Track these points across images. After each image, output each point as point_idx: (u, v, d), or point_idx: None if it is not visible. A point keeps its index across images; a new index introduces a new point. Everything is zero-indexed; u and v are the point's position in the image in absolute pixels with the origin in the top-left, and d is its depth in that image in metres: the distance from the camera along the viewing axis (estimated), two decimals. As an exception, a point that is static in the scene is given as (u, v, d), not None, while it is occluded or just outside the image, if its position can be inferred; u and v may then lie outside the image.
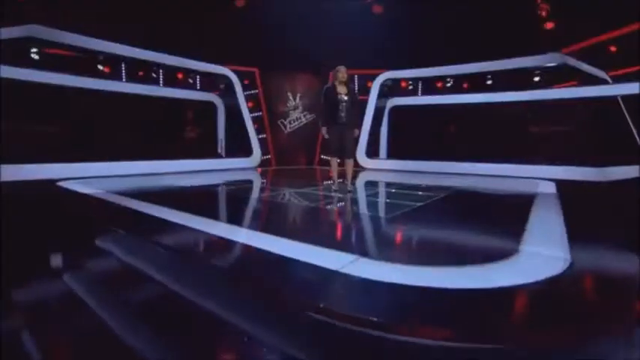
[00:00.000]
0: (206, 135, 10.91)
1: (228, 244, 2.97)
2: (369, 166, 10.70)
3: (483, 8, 10.18)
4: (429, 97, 10.59)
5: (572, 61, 8.67)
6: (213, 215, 4.03)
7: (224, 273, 2.45)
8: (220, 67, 10.98)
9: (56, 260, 2.80)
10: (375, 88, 11.06)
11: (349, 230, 3.57)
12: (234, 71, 11.35)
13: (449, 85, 10.37)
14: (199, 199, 5.41)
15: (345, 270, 2.19)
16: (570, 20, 10.03)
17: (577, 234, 3.08)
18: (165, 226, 3.42)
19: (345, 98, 5.51)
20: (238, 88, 11.30)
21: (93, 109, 8.42)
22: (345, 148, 5.61)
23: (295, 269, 2.36)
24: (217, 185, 6.96)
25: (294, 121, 12.95)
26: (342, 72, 5.56)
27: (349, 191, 5.57)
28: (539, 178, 7.85)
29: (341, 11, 11.52)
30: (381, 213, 4.28)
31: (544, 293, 2.03)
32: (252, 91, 12.14)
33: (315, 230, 3.58)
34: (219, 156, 10.95)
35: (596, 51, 9.56)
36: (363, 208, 4.54)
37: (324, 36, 11.54)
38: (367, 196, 5.69)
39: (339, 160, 5.75)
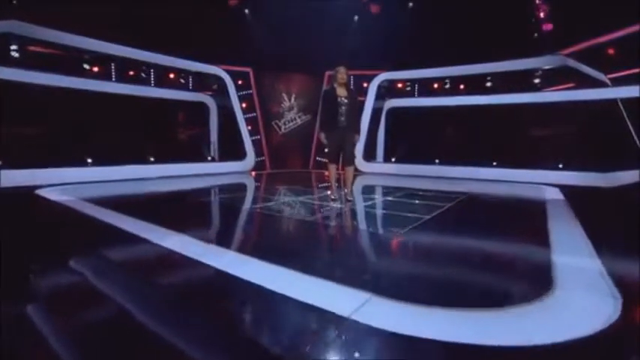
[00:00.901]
0: (198, 137, 10.36)
1: (198, 268, 2.46)
2: (366, 170, 10.26)
3: (481, 9, 9.81)
4: (428, 98, 10.16)
5: (573, 63, 8.31)
6: (189, 230, 3.47)
7: (186, 310, 1.93)
8: (213, 67, 10.45)
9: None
10: (372, 89, 10.61)
11: (354, 254, 2.98)
12: (228, 71, 10.83)
13: (447, 86, 9.96)
14: (180, 209, 4.91)
15: (356, 316, 1.73)
16: (568, 22, 9.70)
17: (608, 257, 2.68)
18: (126, 240, 3.11)
19: (345, 101, 5.04)
20: (231, 88, 10.78)
21: (79, 111, 7.85)
22: (345, 155, 5.14)
23: (286, 310, 1.86)
24: (203, 191, 6.48)
25: (288, 122, 12.47)
26: (341, 73, 5.09)
27: (349, 200, 5.11)
28: (541, 183, 7.49)
29: (337, 11, 11.07)
30: (389, 229, 3.69)
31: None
32: (246, 92, 11.64)
33: (311, 254, 2.92)
34: (211, 159, 10.40)
35: (593, 53, 9.23)
36: (367, 222, 4.02)
37: (320, 36, 11.08)
38: (369, 206, 5.13)
39: (340, 172, 5.29)
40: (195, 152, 10.01)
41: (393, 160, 10.50)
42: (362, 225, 3.81)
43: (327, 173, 5.42)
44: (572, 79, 8.98)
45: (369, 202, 5.30)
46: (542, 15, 10.41)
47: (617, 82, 8.47)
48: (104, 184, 6.79)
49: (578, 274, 2.37)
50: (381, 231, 3.53)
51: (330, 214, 4.23)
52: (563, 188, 7.02)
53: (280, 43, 11.48)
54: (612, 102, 7.97)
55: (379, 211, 4.51)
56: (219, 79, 10.59)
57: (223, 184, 7.75)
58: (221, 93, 10.70)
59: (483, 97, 9.21)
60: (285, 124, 12.37)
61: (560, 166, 7.77)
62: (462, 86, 9.88)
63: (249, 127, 11.26)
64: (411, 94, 10.55)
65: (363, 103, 10.41)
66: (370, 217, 4.25)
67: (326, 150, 5.26)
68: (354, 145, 5.17)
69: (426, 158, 9.56)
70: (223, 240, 3.40)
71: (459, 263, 2.68)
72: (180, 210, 4.82)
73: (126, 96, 8.46)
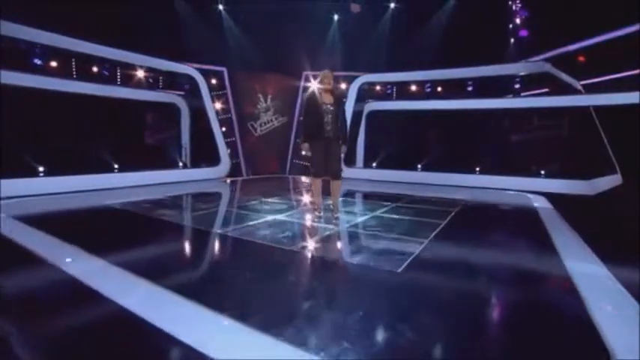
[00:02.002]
0: (167, 142, 9.34)
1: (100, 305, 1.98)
2: (346, 176, 9.68)
3: (461, 14, 9.47)
4: (408, 102, 9.68)
5: (553, 70, 8.07)
6: (128, 259, 2.89)
7: None
8: (184, 66, 9.55)
9: None
10: (352, 91, 10.03)
11: (350, 309, 2.10)
12: (200, 70, 9.96)
13: (428, 90, 9.54)
14: (125, 229, 4.16)
15: None
16: (544, 28, 9.51)
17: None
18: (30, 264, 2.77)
19: (331, 109, 4.43)
20: (204, 88, 9.90)
21: (29, 112, 6.78)
22: (330, 168, 4.54)
23: None
24: (162, 204, 5.68)
25: (265, 124, 11.72)
26: (327, 77, 4.47)
27: (336, 218, 4.53)
28: (523, 190, 7.22)
29: (316, 10, 10.42)
30: (388, 261, 2.94)
31: None
32: (220, 92, 10.80)
33: (294, 307, 2.15)
34: (182, 165, 9.39)
35: (566, 60, 9.07)
36: (360, 250, 3.32)
37: (298, 35, 10.41)
38: (359, 225, 4.40)
39: (329, 189, 4.68)
40: (165, 158, 9.01)
41: (374, 165, 10.01)
42: (354, 255, 3.15)
43: (310, 192, 4.78)
44: (551, 86, 8.78)
45: (358, 219, 4.68)
46: (518, 21, 10.21)
47: (590, 90, 8.35)
48: (57, 197, 5.86)
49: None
50: (377, 264, 2.91)
51: (314, 240, 3.59)
52: (545, 195, 6.77)
53: (256, 42, 10.72)
54: (586, 109, 7.79)
55: (371, 232, 3.92)
56: (190, 79, 9.70)
57: (194, 193, 6.98)
58: (193, 93, 9.80)
59: (464, 102, 8.84)
60: (261, 125, 11.62)
61: (542, 173, 7.53)
62: (441, 90, 9.47)
63: (224, 129, 10.44)
64: (391, 98, 10.04)
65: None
66: (362, 241, 3.63)
67: (309, 163, 4.64)
68: (340, 157, 4.58)
69: (408, 164, 9.12)
70: (156, 270, 2.70)
71: (477, 310, 2.14)
72: (124, 230, 4.07)
73: (86, 96, 7.41)
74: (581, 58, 9.14)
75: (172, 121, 9.50)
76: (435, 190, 7.60)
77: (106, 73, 8.07)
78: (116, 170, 7.45)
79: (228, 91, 11.03)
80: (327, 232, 3.86)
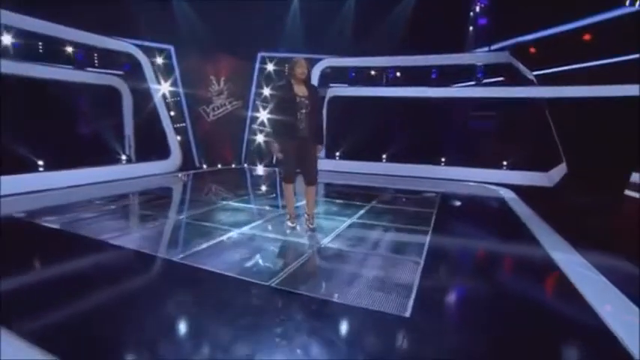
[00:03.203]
0: (107, 132, 7.77)
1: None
2: None
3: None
4: (371, 88, 9.06)
5: (514, 61, 7.86)
6: None
7: None
8: (123, 43, 8.08)
9: None
10: (314, 75, 9.18)
11: None
12: (143, 48, 8.53)
13: (392, 77, 8.97)
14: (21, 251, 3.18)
15: None
16: (503, 17, 9.28)
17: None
18: None
19: (306, 102, 3.67)
20: (148, 69, 8.53)
21: None
22: (305, 172, 3.82)
23: None
24: (89, 210, 4.62)
25: (217, 108, 10.55)
26: (301, 66, 3.67)
27: (312, 229, 3.85)
28: (487, 182, 7.04)
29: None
30: (391, 299, 2.32)
31: None
32: (167, 73, 9.43)
33: None
34: (126, 160, 7.89)
35: (521, 50, 8.95)
36: (353, 282, 2.60)
37: (255, 13, 9.27)
38: (340, 238, 3.63)
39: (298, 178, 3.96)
40: (104, 152, 7.51)
41: (338, 156, 9.37)
42: (345, 294, 2.46)
43: (285, 198, 4.04)
44: (506, 76, 8.62)
45: (336, 229, 4.05)
46: (478, 9, 9.90)
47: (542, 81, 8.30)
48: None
49: None
50: (375, 306, 2.29)
51: (292, 267, 2.84)
52: (509, 187, 6.64)
53: (208, 18, 9.41)
54: (542, 100, 7.71)
55: (357, 253, 3.30)
56: (131, 58, 8.26)
57: (137, 194, 5.91)
58: (135, 74, 8.39)
59: (427, 90, 8.41)
60: (213, 110, 10.44)
61: (505, 164, 7.39)
62: (404, 77, 8.96)
63: (173, 113, 9.17)
64: (355, 83, 9.33)
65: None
66: (350, 270, 2.93)
67: (281, 166, 3.88)
68: (316, 159, 3.86)
69: (371, 155, 8.61)
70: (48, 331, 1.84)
71: None
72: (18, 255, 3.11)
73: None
74: (533, 50, 9.08)
75: (112, 107, 8.02)
76: (400, 182, 7.20)
77: (24, 48, 6.47)
78: (41, 169, 6.04)
79: (177, 72, 9.69)
80: (307, 254, 3.15)
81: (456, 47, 9.02)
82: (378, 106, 8.93)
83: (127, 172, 7.12)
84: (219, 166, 10.19)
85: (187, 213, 4.59)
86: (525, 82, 7.89)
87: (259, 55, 10.77)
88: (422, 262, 2.98)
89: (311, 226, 3.84)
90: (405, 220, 4.37)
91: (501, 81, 8.49)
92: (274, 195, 6.02)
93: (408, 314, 2.17)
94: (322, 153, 3.88)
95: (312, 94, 3.70)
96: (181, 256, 2.99)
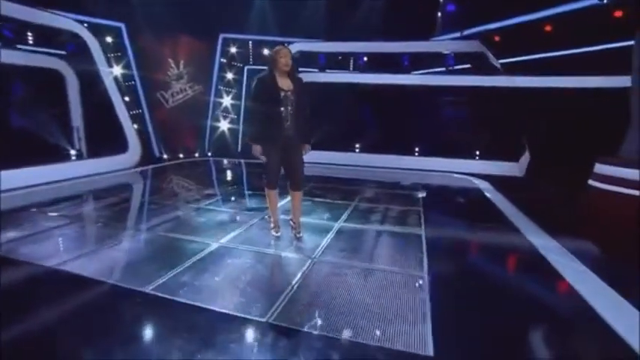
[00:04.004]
0: (50, 124, 6.54)
1: None
2: None
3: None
4: (344, 74, 8.58)
5: (484, 49, 7.73)
6: None
7: None
8: (66, 20, 6.93)
9: None
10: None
11: None
12: (90, 26, 7.40)
13: (363, 63, 8.53)
14: None
15: None
16: (470, 4, 9.10)
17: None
18: None
19: (292, 98, 3.18)
20: (96, 50, 7.44)
21: None
22: (291, 175, 3.37)
23: None
24: (30, 222, 3.89)
25: (177, 94, 9.62)
26: (285, 55, 3.14)
27: (298, 237, 3.44)
28: (461, 173, 6.97)
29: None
30: (409, 334, 2.00)
31: None
32: (119, 54, 8.33)
33: None
34: (76, 155, 6.74)
35: (487, 38, 8.88)
36: (363, 306, 2.29)
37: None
38: (332, 249, 3.18)
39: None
40: (48, 147, 6.36)
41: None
42: (353, 329, 2.09)
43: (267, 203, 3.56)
44: (474, 64, 8.52)
45: (325, 237, 3.64)
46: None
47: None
48: None
49: None
50: (398, 345, 1.97)
51: (287, 291, 2.42)
52: (480, 177, 6.62)
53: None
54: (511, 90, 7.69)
55: (354, 267, 2.95)
56: (76, 37, 7.13)
57: (88, 197, 5.14)
58: (81, 55, 7.27)
59: (400, 77, 8.10)
60: (173, 95, 9.50)
61: (477, 154, 7.35)
62: (376, 63, 8.57)
63: (127, 99, 8.18)
64: (326, 69, 8.78)
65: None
66: (356, 290, 2.57)
67: (263, 171, 3.39)
68: (303, 162, 3.41)
69: (344, 145, 8.23)
70: None
71: None
72: None
73: None
74: (497, 38, 9.03)
75: (54, 93, 6.86)
76: (375, 174, 6.94)
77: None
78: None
79: (130, 53, 8.61)
80: (300, 273, 2.71)
81: (426, 33, 8.76)
82: (350, 94, 8.51)
83: (77, 170, 6.06)
84: (182, 155, 9.38)
85: (154, 221, 3.92)
86: (494, 70, 7.83)
87: (221, 36, 9.88)
88: (426, 277, 2.69)
89: (298, 235, 3.42)
90: (394, 221, 4.09)
91: (469, 69, 8.39)
92: (247, 194, 5.51)
93: (431, 352, 1.87)
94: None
95: (297, 87, 3.21)
96: (152, 286, 2.44)
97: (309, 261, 2.94)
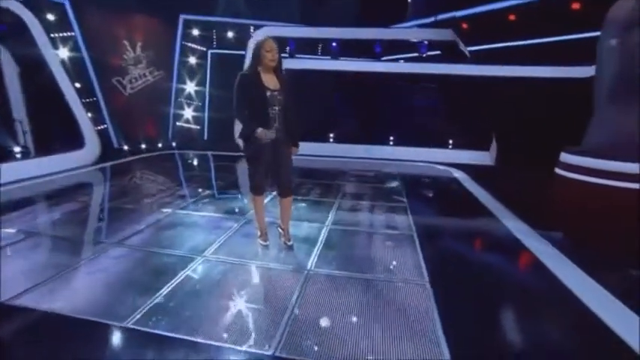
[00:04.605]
0: None
1: None
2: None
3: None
4: (316, 61, 8.18)
5: (456, 38, 7.67)
6: None
7: None
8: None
9: None
10: (251, 46, 7.94)
11: None
12: (27, 1, 6.39)
13: (335, 49, 8.17)
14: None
15: None
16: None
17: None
18: None
19: (279, 98, 2.86)
20: (37, 30, 6.47)
21: None
22: (280, 180, 3.07)
23: None
24: None
25: (136, 80, 8.76)
26: (271, 49, 2.79)
27: (288, 245, 3.19)
28: (438, 162, 6.98)
29: None
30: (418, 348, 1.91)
31: None
32: (64, 34, 7.33)
33: None
34: (21, 152, 5.74)
35: (456, 25, 8.85)
36: (364, 331, 2.10)
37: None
38: (327, 259, 2.93)
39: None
40: None
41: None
42: (374, 354, 1.95)
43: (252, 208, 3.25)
44: (444, 51, 8.48)
45: (316, 243, 3.39)
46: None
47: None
48: None
49: None
50: None
51: (288, 321, 2.19)
52: (454, 166, 6.67)
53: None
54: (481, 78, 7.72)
55: (349, 278, 2.76)
56: (10, 15, 6.12)
57: (45, 209, 4.50)
58: (18, 36, 6.29)
59: (373, 64, 7.87)
60: (131, 82, 8.63)
61: (451, 142, 7.38)
62: (349, 50, 8.25)
63: (78, 85, 7.28)
64: (295, 55, 8.31)
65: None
66: (356, 313, 2.40)
67: (249, 176, 3.06)
68: (291, 165, 3.13)
69: (317, 135, 7.92)
70: None
71: None
72: None
73: None
74: (465, 26, 9.04)
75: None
76: (349, 164, 6.77)
77: None
78: None
79: (77, 33, 7.62)
80: (297, 290, 2.46)
81: (398, 18, 8.57)
82: (322, 81, 8.18)
83: (24, 171, 5.19)
84: (144, 146, 8.64)
85: (124, 232, 3.44)
86: (465, 59, 7.83)
87: (181, 17, 9.06)
88: (428, 286, 2.56)
89: (288, 243, 3.17)
90: (383, 221, 3.96)
91: (440, 56, 8.33)
92: (222, 192, 5.12)
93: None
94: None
95: (284, 85, 2.89)
96: (133, 319, 2.07)
97: (305, 274, 2.71)
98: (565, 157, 5.51)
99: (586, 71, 6.65)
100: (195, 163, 7.92)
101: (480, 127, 7.17)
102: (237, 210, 4.23)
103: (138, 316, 2.10)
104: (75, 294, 2.37)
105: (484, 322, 2.22)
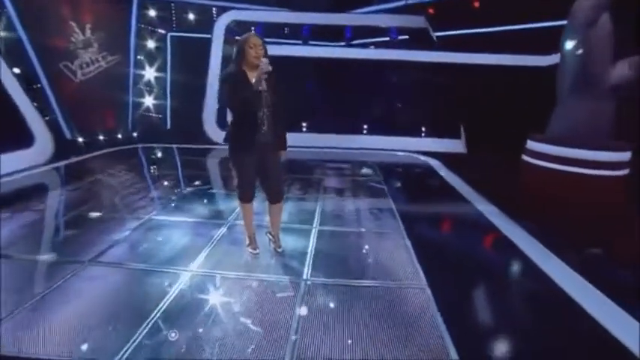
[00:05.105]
0: None
1: None
2: (222, 141, 7.53)
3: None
4: (284, 46, 7.78)
5: (429, 26, 7.62)
6: None
7: None
8: None
9: None
10: (219, 30, 7.40)
11: None
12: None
13: (305, 34, 7.81)
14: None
15: None
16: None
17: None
18: None
19: (268, 98, 2.63)
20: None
21: None
22: (270, 186, 2.87)
23: None
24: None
25: (87, 66, 7.92)
26: (255, 46, 2.53)
27: (281, 252, 3.03)
28: (410, 151, 7.02)
29: None
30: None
31: None
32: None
33: None
34: None
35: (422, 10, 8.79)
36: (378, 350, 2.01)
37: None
38: (323, 269, 2.78)
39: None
40: None
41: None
42: None
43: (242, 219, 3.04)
44: (411, 36, 8.43)
45: (309, 250, 3.18)
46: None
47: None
48: None
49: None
50: None
51: (295, 343, 2.07)
52: (428, 154, 6.75)
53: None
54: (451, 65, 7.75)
55: (348, 286, 2.67)
56: None
57: None
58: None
59: (344, 50, 7.65)
60: (82, 67, 7.79)
61: (423, 129, 7.42)
62: (318, 34, 7.95)
63: (17, 70, 6.42)
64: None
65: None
66: (362, 327, 2.34)
67: (237, 183, 2.84)
68: (281, 170, 2.94)
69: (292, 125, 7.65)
70: None
71: None
72: None
73: None
74: (431, 10, 9.02)
75: None
76: (323, 155, 6.66)
77: None
78: None
79: (11, 10, 6.64)
80: (299, 305, 2.34)
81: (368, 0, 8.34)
82: (291, 68, 7.84)
83: None
84: (102, 138, 7.93)
85: (95, 247, 3.04)
86: (434, 45, 7.83)
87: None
88: (428, 290, 2.54)
89: (278, 249, 3.01)
90: (370, 218, 3.91)
91: (410, 41, 8.26)
92: (199, 194, 4.78)
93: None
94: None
95: (272, 83, 2.65)
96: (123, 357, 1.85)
97: (302, 284, 2.59)
98: (531, 144, 5.77)
99: (547, 60, 6.91)
100: (162, 158, 7.36)
101: (450, 115, 7.28)
102: (217, 212, 3.98)
103: (126, 356, 1.86)
104: (45, 332, 2.02)
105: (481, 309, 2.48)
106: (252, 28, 7.66)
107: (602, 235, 3.63)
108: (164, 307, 2.26)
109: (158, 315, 2.17)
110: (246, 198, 2.84)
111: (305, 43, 7.92)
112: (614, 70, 4.96)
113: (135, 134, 8.61)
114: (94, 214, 3.84)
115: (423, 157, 6.63)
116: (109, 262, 2.83)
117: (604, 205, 4.24)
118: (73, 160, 6.26)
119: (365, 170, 5.84)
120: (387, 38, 7.92)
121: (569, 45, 5.35)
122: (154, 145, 7.94)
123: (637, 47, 4.86)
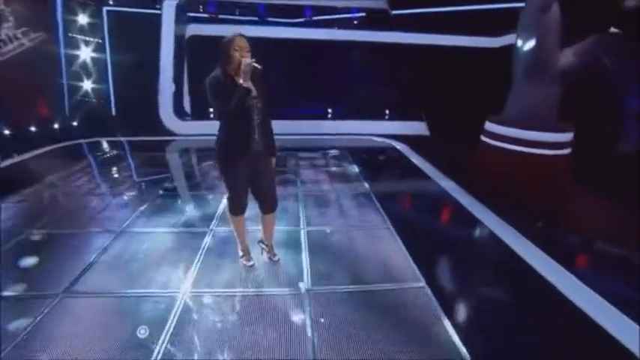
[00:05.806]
0: None
1: None
2: (180, 132, 6.92)
3: None
4: (239, 26, 7.21)
5: (389, 7, 7.45)
6: None
7: None
8: None
9: None
10: (169, 8, 6.60)
11: None
12: None
13: (262, 12, 7.29)
14: None
15: None
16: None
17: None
18: None
19: (259, 105, 2.41)
20: None
21: None
22: (263, 195, 2.69)
23: None
24: None
25: (5, 44, 6.74)
26: (242, 48, 2.29)
27: (276, 261, 2.91)
28: (373, 134, 7.05)
29: None
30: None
31: None
32: None
33: None
34: None
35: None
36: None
37: None
38: (321, 274, 2.73)
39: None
40: None
41: (210, 117, 7.49)
42: None
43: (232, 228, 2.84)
44: (369, 15, 8.26)
45: (303, 255, 3.11)
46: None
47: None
48: None
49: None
50: None
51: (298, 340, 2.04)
52: (393, 137, 6.85)
53: None
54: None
55: (349, 293, 2.66)
56: None
57: None
58: None
59: (303, 30, 7.30)
60: (-1, 46, 6.61)
61: (387, 112, 7.44)
62: (276, 14, 7.47)
63: None
64: (222, 21, 7.20)
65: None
66: (368, 334, 2.33)
67: (228, 195, 2.63)
68: (274, 178, 2.77)
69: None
70: None
71: None
72: None
73: None
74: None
75: None
76: (289, 142, 6.44)
77: None
78: None
79: None
80: (306, 316, 2.28)
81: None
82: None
83: None
84: (33, 129, 6.95)
85: (72, 271, 2.67)
86: (394, 26, 7.73)
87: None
88: (428, 289, 2.63)
89: (274, 258, 2.90)
90: (355, 214, 3.92)
91: (365, 18, 8.10)
92: (171, 197, 4.39)
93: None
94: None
95: (260, 86, 2.42)
96: None
97: (305, 294, 2.54)
98: (489, 126, 6.07)
99: (498, 41, 7.17)
100: (116, 155, 6.40)
101: (413, 97, 7.38)
102: (196, 219, 3.70)
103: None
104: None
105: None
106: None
107: (550, 207, 4.18)
108: (164, 344, 2.06)
109: (162, 350, 1.99)
110: (239, 210, 2.66)
111: (262, 21, 7.42)
112: (562, 57, 5.29)
113: (74, 123, 7.64)
114: (54, 231, 3.37)
115: (390, 141, 6.71)
116: (87, 292, 2.52)
117: (551, 181, 4.69)
118: (8, 162, 5.38)
119: (335, 154, 5.80)
120: (349, 15, 7.68)
121: (523, 29, 5.57)
122: (102, 138, 7.10)
123: (583, 35, 5.18)
